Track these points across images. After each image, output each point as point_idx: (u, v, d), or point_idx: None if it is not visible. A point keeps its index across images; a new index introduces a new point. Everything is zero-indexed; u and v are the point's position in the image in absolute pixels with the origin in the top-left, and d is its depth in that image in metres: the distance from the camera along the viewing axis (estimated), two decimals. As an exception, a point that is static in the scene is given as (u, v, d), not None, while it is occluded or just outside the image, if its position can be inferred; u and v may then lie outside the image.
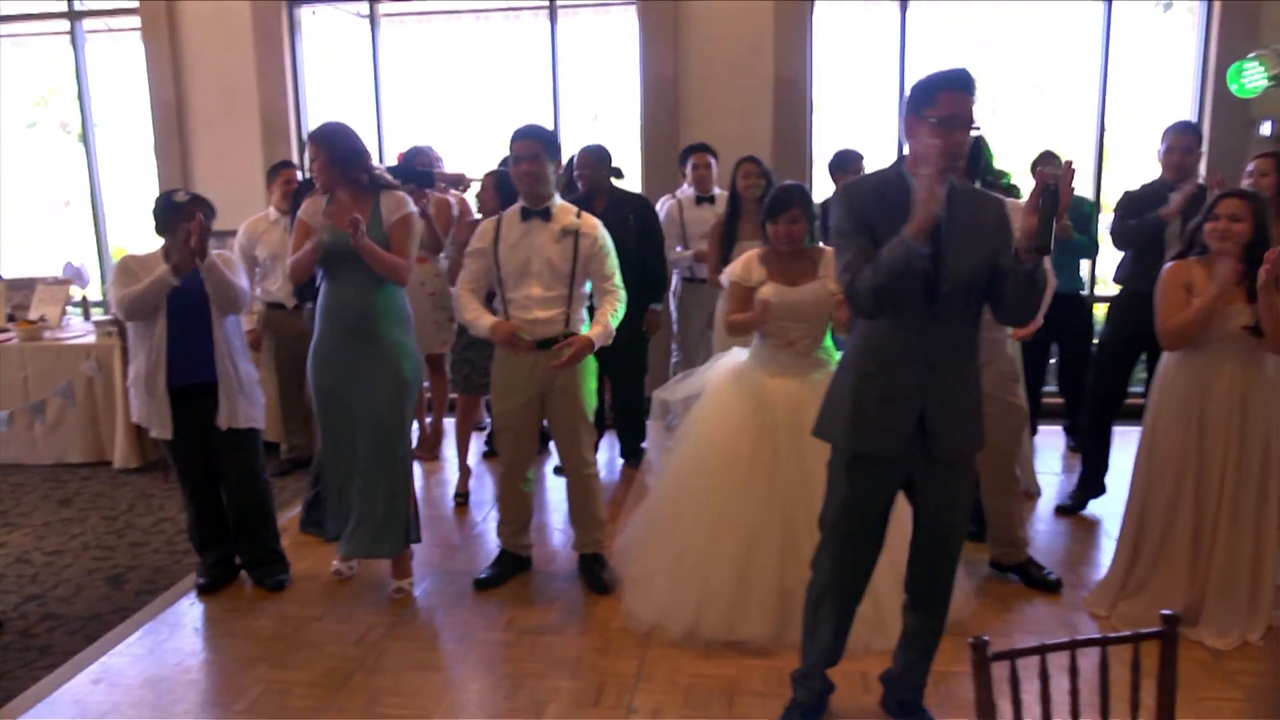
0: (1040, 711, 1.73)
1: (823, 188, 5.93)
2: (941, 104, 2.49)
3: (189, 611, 3.94)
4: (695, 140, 5.88)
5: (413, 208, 3.84)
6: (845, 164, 5.51)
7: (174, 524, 4.90)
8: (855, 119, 7.01)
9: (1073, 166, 3.11)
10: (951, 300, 2.57)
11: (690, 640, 3.50)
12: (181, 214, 3.71)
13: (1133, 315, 4.39)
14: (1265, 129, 5.80)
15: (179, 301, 3.79)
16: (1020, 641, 1.80)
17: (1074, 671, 1.73)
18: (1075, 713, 1.73)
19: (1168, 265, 3.57)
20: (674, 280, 5.70)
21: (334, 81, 7.45)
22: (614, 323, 3.85)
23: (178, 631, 3.78)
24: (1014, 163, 5.92)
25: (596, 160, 5.25)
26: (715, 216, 5.16)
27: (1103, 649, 1.74)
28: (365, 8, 7.10)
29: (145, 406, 3.88)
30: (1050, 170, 2.47)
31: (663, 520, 3.76)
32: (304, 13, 7.17)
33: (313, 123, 6.96)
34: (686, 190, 5.70)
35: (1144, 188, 4.68)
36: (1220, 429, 3.44)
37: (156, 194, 3.94)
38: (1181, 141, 4.61)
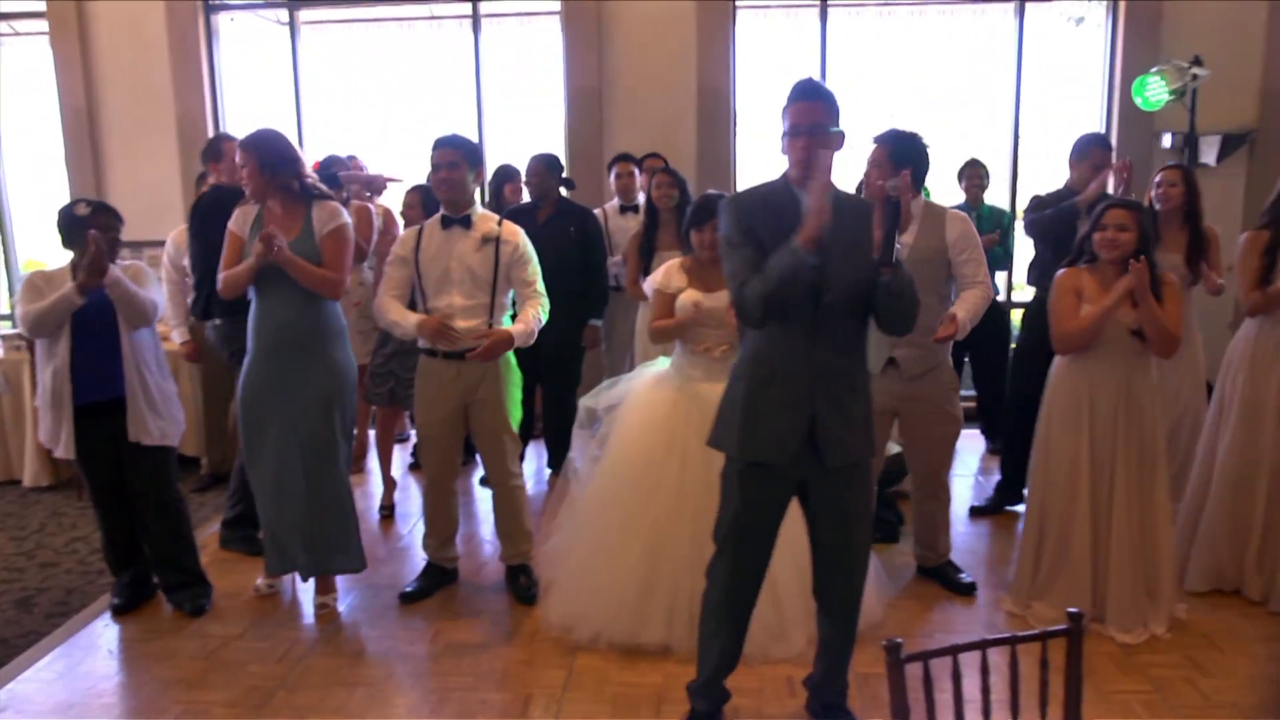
0: (954, 711, 1.77)
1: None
2: (789, 116, 2.63)
3: (103, 633, 3.83)
4: (620, 151, 5.91)
5: (347, 218, 3.75)
6: None
7: (88, 543, 4.76)
8: (779, 129, 7.09)
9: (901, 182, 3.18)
10: (836, 309, 2.64)
11: (598, 644, 3.52)
12: (85, 227, 3.58)
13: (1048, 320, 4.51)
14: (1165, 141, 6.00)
15: (84, 316, 3.67)
16: (940, 642, 1.85)
17: (985, 670, 1.78)
18: (987, 711, 1.78)
19: (1060, 273, 3.70)
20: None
21: (254, 89, 7.32)
22: (537, 325, 3.84)
23: (91, 654, 3.67)
24: (936, 170, 6.07)
25: (545, 168, 5.23)
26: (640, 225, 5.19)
27: (1012, 648, 1.79)
28: (285, 14, 7.00)
29: (51, 424, 3.76)
30: (891, 184, 2.53)
31: (579, 527, 3.77)
32: (222, 19, 7.03)
33: (232, 131, 6.85)
34: (613, 200, 5.73)
35: (1052, 195, 4.81)
36: (1109, 429, 3.58)
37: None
38: (1105, 158, 4.72)
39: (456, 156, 3.78)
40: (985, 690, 1.81)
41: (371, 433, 5.59)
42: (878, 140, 3.73)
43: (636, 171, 5.66)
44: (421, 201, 4.76)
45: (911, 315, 2.74)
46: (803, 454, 2.70)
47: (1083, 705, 3.06)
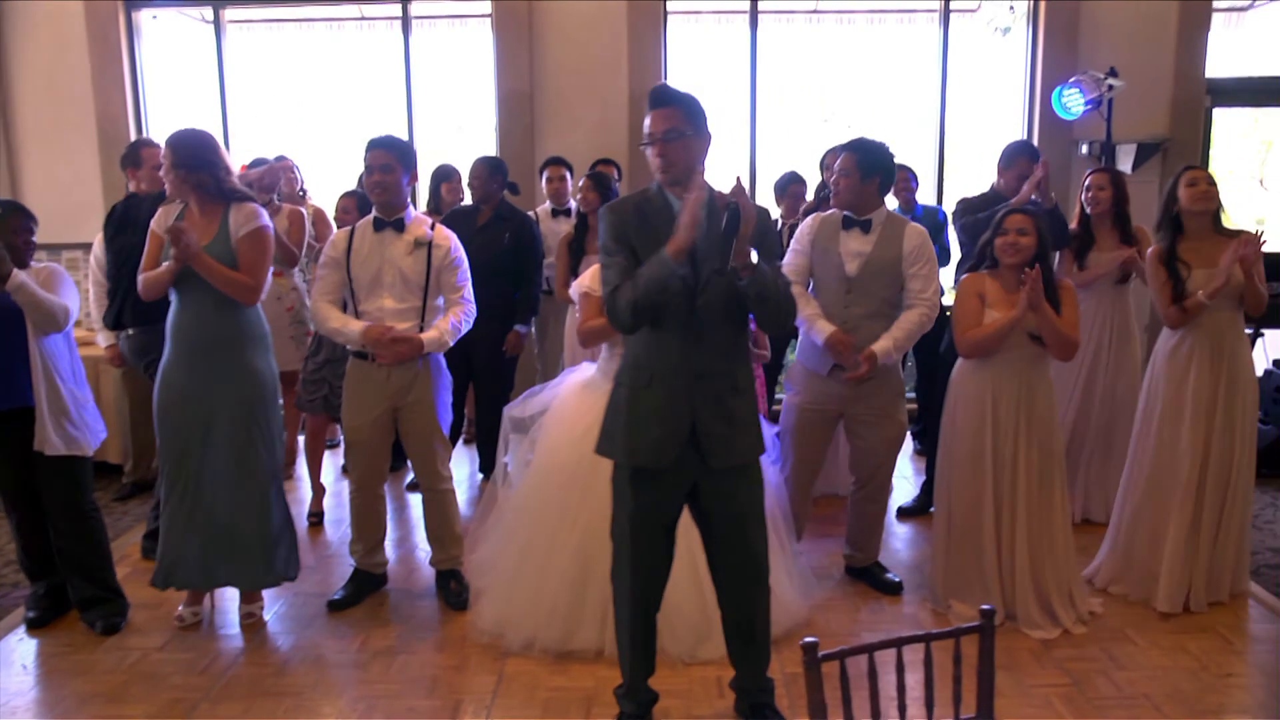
0: (870, 708, 1.81)
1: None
2: (646, 123, 2.72)
3: (18, 648, 3.71)
4: (551, 154, 5.91)
5: (265, 221, 3.66)
6: (784, 187, 5.63)
7: (1, 555, 4.62)
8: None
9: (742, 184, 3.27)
10: (712, 312, 2.69)
11: (530, 650, 3.52)
12: None
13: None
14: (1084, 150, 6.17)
15: (-9, 320, 3.53)
16: (868, 641, 1.88)
17: (900, 668, 1.82)
18: (902, 707, 1.82)
19: (963, 277, 3.79)
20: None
21: (179, 88, 7.17)
22: (455, 334, 3.82)
23: (5, 670, 3.55)
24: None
25: (488, 171, 5.19)
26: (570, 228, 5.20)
27: (927, 645, 1.84)
28: (210, 12, 6.87)
29: None
30: (734, 190, 2.59)
31: (510, 532, 3.77)
32: (144, 16, 6.88)
33: (154, 132, 6.71)
34: (544, 204, 5.73)
35: (979, 197, 4.91)
36: (1009, 429, 3.67)
37: (-23, 206, 3.70)
38: (1019, 165, 4.85)
39: (390, 159, 3.76)
40: (900, 688, 1.85)
41: (301, 438, 5.52)
42: (846, 149, 3.80)
43: (568, 175, 5.67)
44: (357, 206, 4.71)
45: (786, 314, 2.78)
46: (688, 456, 2.75)
47: (1003, 699, 3.18)
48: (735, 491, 2.83)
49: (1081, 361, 4.67)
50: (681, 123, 2.70)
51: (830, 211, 3.96)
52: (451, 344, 3.83)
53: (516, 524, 3.74)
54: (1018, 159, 4.84)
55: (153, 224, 3.68)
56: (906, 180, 5.78)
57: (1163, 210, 3.91)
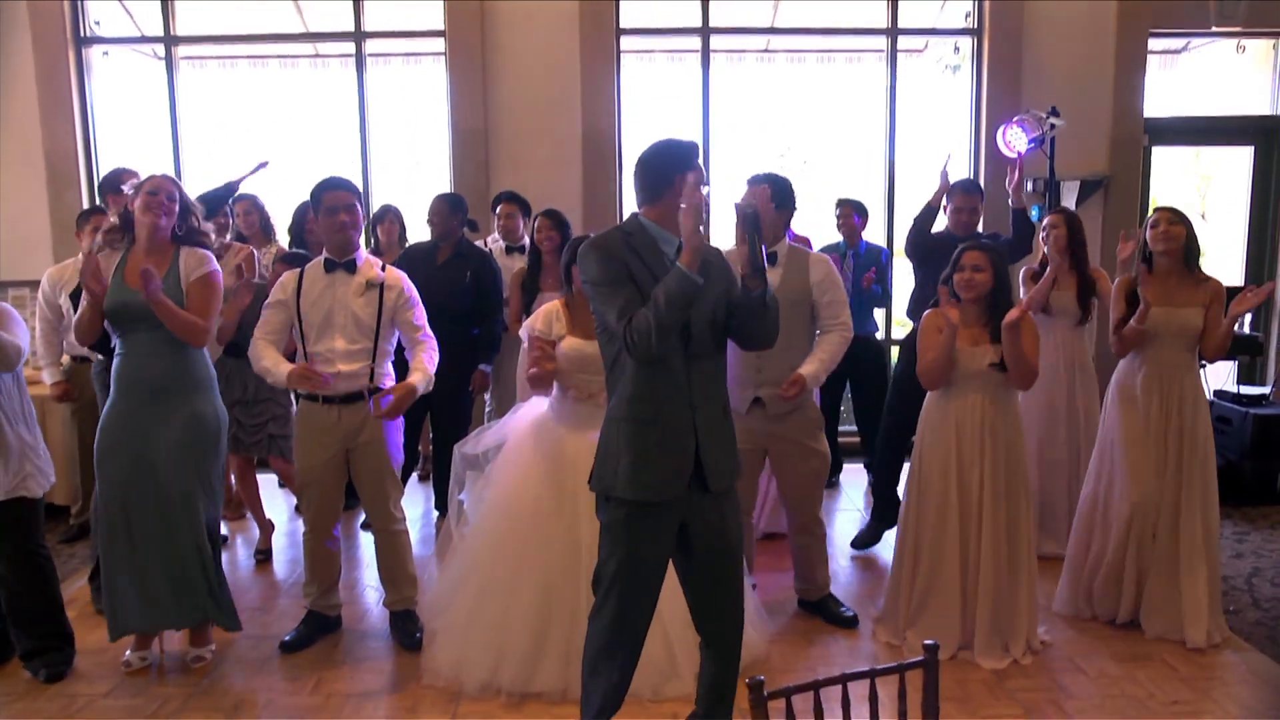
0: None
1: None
2: (697, 169, 2.79)
3: (-42, 697, 3.63)
4: (505, 189, 5.94)
5: (215, 266, 3.69)
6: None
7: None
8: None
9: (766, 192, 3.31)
10: (702, 339, 2.75)
11: (487, 692, 3.49)
12: None
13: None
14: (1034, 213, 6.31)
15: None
16: (824, 676, 1.89)
17: (845, 704, 1.84)
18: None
19: (926, 312, 3.88)
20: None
21: (130, 125, 7.11)
22: (432, 369, 3.84)
23: (-57, 720, 3.48)
24: (815, 211, 6.30)
25: (449, 208, 5.18)
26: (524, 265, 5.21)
27: (871, 680, 1.86)
28: (162, 49, 6.84)
29: None
30: (746, 200, 2.65)
31: (465, 572, 3.74)
32: (95, 53, 6.84)
33: (104, 168, 6.64)
34: (496, 240, 5.74)
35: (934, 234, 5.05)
36: (974, 460, 3.75)
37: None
38: (968, 202, 5.05)
39: (353, 199, 3.81)
40: (847, 724, 1.87)
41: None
42: (759, 181, 3.88)
43: (519, 213, 5.69)
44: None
45: (775, 327, 2.85)
46: (689, 486, 2.77)
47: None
48: (724, 513, 2.85)
49: (1038, 401, 4.78)
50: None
51: (734, 247, 4.02)
52: (433, 383, 3.84)
53: (473, 564, 3.71)
54: (969, 198, 5.06)
55: (87, 273, 3.52)
56: (850, 215, 5.88)
57: (1140, 246, 4.03)
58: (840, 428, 6.12)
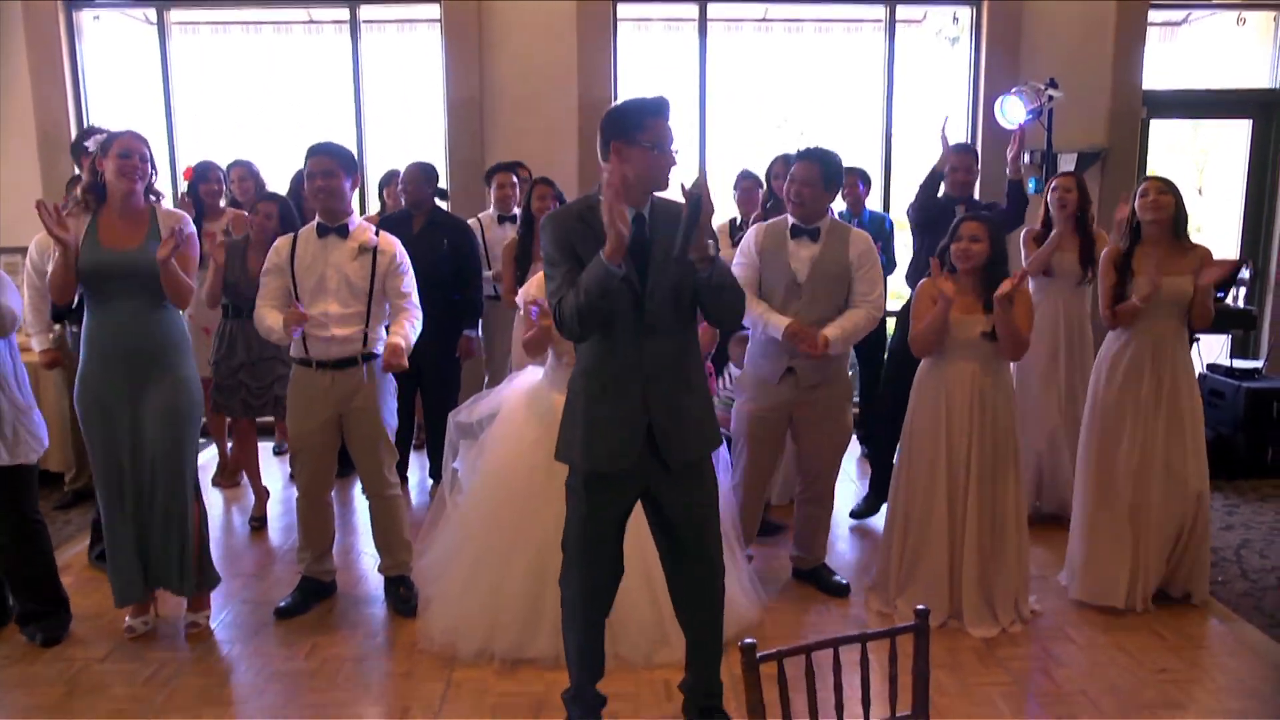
0: (807, 705, 1.84)
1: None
2: (650, 130, 2.66)
3: (-45, 660, 3.65)
4: (500, 160, 5.90)
5: (192, 226, 3.67)
6: (737, 183, 5.66)
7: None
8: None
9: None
10: (662, 313, 2.73)
11: (482, 659, 3.52)
12: None
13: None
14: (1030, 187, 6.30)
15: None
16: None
17: (837, 668, 1.86)
18: (839, 705, 1.86)
19: (921, 282, 3.89)
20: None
21: (123, 90, 7.04)
22: (414, 337, 3.83)
23: (-59, 682, 3.49)
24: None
25: (422, 177, 5.19)
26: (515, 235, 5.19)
27: (863, 645, 1.88)
28: (154, 13, 6.77)
29: None
30: (693, 183, 2.60)
31: (460, 540, 3.76)
32: (85, 17, 6.76)
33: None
34: (489, 210, 5.72)
35: (936, 199, 5.07)
36: (963, 428, 3.76)
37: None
38: (963, 161, 5.05)
39: (332, 165, 3.75)
40: (838, 687, 1.89)
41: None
42: (808, 159, 3.85)
43: (517, 182, 5.66)
44: (279, 212, 4.61)
45: (737, 308, 2.84)
46: (645, 458, 2.78)
47: (946, 698, 3.25)
48: (691, 489, 2.86)
49: (1039, 361, 4.81)
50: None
51: (775, 220, 4.02)
52: (411, 349, 3.81)
53: (467, 532, 3.73)
54: (963, 157, 5.07)
55: (51, 222, 3.45)
56: (855, 184, 5.86)
57: (1129, 217, 4.02)
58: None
